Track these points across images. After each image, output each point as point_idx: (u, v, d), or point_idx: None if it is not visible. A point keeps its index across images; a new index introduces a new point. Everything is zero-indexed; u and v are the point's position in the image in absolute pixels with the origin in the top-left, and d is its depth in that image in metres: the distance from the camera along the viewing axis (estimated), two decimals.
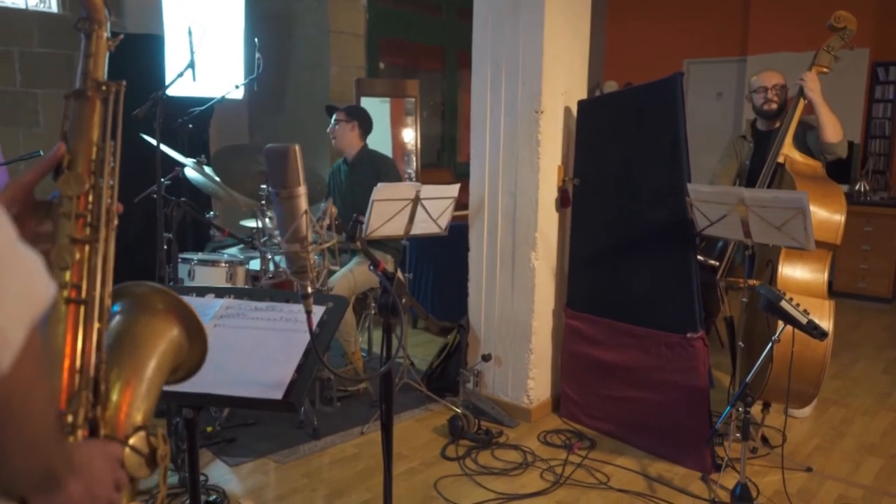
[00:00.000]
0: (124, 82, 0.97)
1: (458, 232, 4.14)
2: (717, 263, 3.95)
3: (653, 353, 3.46)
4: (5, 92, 4.84)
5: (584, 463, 3.37)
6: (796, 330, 2.82)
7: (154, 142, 3.21)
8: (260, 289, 3.58)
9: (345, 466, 3.33)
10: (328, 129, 4.36)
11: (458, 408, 3.74)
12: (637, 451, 3.51)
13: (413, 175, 6.24)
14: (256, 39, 4.08)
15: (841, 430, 3.82)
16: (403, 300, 1.78)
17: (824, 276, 3.50)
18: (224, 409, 3.66)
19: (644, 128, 3.58)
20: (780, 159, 3.66)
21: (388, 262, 4.22)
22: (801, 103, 3.70)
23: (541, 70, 3.62)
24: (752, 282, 3.31)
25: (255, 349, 1.78)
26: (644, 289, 3.54)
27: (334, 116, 4.33)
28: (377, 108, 5.79)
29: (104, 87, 0.95)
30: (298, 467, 3.31)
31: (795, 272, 3.50)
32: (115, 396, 0.93)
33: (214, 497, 2.98)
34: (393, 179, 4.13)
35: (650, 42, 8.12)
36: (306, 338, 1.72)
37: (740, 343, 3.33)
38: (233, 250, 4.07)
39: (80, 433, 0.86)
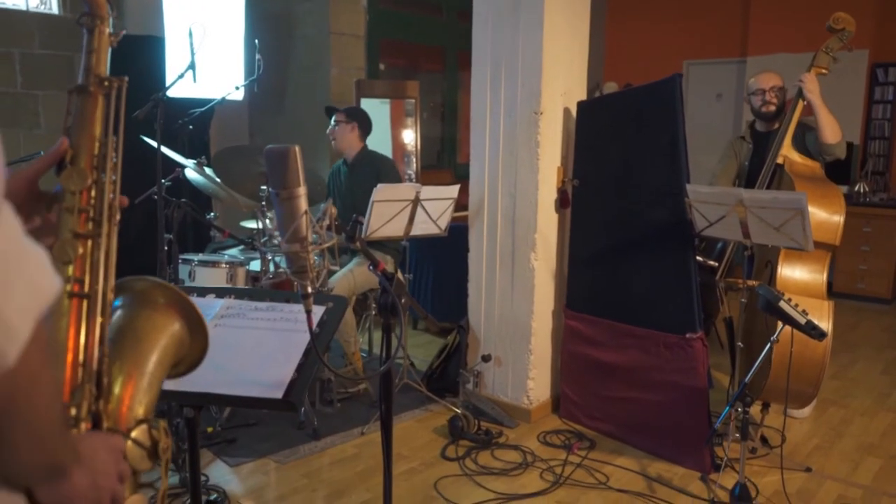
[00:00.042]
0: (126, 78, 0.98)
1: (457, 233, 4.15)
2: (717, 264, 3.95)
3: (652, 354, 3.46)
4: (6, 93, 4.85)
5: (584, 463, 3.38)
6: (795, 330, 2.83)
7: (155, 143, 3.22)
8: (260, 289, 3.58)
9: (345, 467, 3.34)
10: (328, 131, 4.37)
11: (457, 408, 3.75)
12: (636, 451, 3.51)
13: (413, 176, 6.25)
14: (257, 41, 4.09)
15: (840, 430, 3.83)
16: (403, 300, 1.79)
17: (823, 277, 3.51)
18: (225, 410, 3.67)
19: (643, 129, 3.59)
20: (780, 160, 3.67)
21: (388, 263, 4.22)
22: (800, 104, 3.71)
23: (540, 71, 3.63)
24: (751, 282, 3.32)
25: (255, 349, 1.79)
26: (643, 289, 3.55)
27: (334, 118, 4.34)
28: (377, 109, 5.80)
29: (106, 83, 0.96)
30: (299, 467, 3.31)
31: (794, 273, 3.51)
32: (117, 390, 0.94)
33: (215, 497, 2.98)
34: (393, 180, 4.14)
35: (650, 43, 8.14)
36: (306, 337, 1.73)
37: (739, 343, 3.34)
38: (233, 251, 4.08)
39: (83, 426, 0.87)
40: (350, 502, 3.04)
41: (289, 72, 6.16)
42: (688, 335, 3.33)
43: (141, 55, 4.78)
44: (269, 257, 3.71)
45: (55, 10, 5.09)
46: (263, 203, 3.76)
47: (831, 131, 3.63)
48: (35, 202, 0.95)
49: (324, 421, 3.71)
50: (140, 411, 0.96)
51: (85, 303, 0.89)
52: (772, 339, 2.95)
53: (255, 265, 3.79)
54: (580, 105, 3.84)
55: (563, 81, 3.78)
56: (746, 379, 2.94)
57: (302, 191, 1.48)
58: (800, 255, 3.42)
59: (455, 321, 4.28)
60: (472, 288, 4.09)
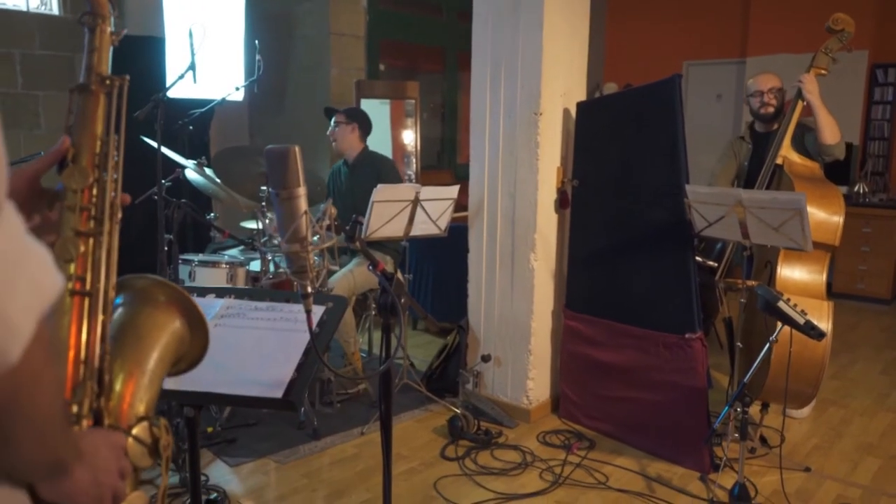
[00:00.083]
0: (128, 77, 0.98)
1: (457, 233, 4.16)
2: (716, 264, 3.96)
3: (651, 354, 3.47)
4: (6, 94, 4.86)
5: (583, 463, 3.38)
6: (794, 331, 2.84)
7: (155, 144, 3.23)
8: (260, 289, 3.59)
9: (345, 467, 3.34)
10: (328, 132, 4.38)
11: (457, 408, 3.75)
12: (636, 451, 3.52)
13: (413, 177, 6.25)
14: (257, 41, 4.10)
15: (839, 430, 3.83)
16: (402, 300, 1.79)
17: (823, 277, 3.51)
18: (224, 410, 3.67)
19: (642, 129, 3.59)
20: (779, 161, 3.68)
21: (388, 264, 4.23)
22: (800, 105, 3.72)
23: (540, 71, 3.63)
24: (750, 283, 3.33)
25: (255, 349, 1.80)
26: (643, 289, 3.56)
27: (333, 119, 4.34)
28: (377, 109, 5.81)
29: (108, 82, 0.96)
30: (298, 467, 3.32)
31: (794, 273, 3.51)
32: (118, 387, 0.95)
33: (215, 496, 2.99)
34: (393, 181, 4.14)
35: (650, 43, 8.15)
36: (306, 337, 1.73)
37: (739, 344, 3.34)
38: (233, 251, 4.08)
39: (84, 423, 0.88)
40: (350, 502, 3.04)
41: (289, 72, 6.17)
42: (687, 335, 3.33)
43: (141, 56, 4.78)
44: (269, 257, 3.72)
45: (55, 10, 5.10)
46: (263, 203, 3.76)
47: (830, 132, 3.64)
48: (36, 200, 0.96)
49: (324, 421, 3.72)
50: (141, 409, 0.96)
51: (87, 300, 0.90)
52: (771, 339, 2.95)
53: (255, 265, 3.80)
54: (580, 105, 3.85)
55: (563, 82, 3.78)
56: (745, 379, 2.95)
57: (302, 191, 1.49)
58: (799, 255, 3.43)
59: (455, 321, 4.29)
60: (471, 288, 4.10)
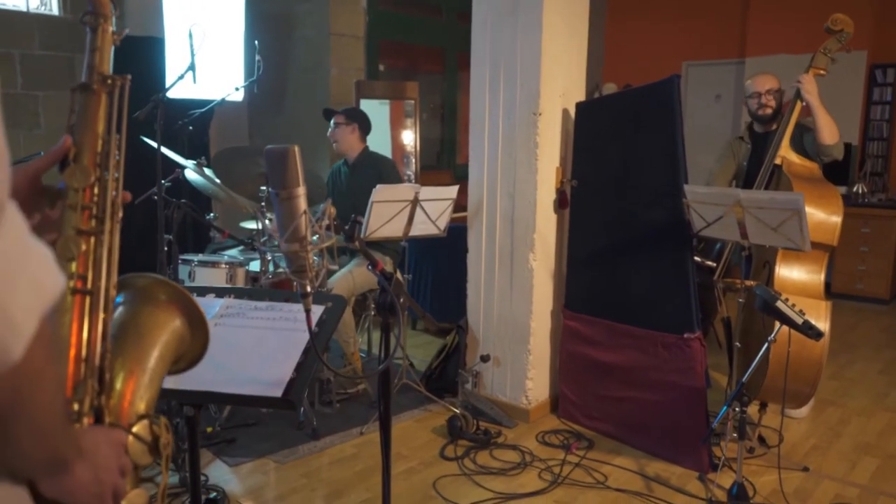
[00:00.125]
0: (129, 76, 0.99)
1: (456, 233, 4.16)
2: (715, 264, 3.96)
3: (650, 354, 3.48)
4: (6, 94, 4.86)
5: (582, 463, 3.39)
6: (793, 330, 2.84)
7: (155, 144, 3.23)
8: (259, 289, 3.59)
9: (344, 466, 3.35)
10: (329, 133, 4.38)
11: (456, 408, 3.76)
12: (635, 450, 3.52)
13: (412, 177, 6.26)
14: (256, 42, 4.11)
15: (838, 430, 3.84)
16: (401, 300, 1.80)
17: (821, 277, 3.52)
18: (224, 410, 3.68)
19: (641, 130, 3.60)
20: (778, 161, 3.68)
21: (387, 264, 4.23)
22: (798, 105, 3.72)
23: (539, 72, 3.64)
24: (749, 283, 3.34)
25: (255, 348, 1.80)
26: (642, 290, 3.56)
27: (333, 120, 4.34)
28: (377, 110, 5.82)
29: (110, 81, 0.97)
30: (298, 467, 3.32)
31: (792, 273, 3.52)
32: (118, 385, 0.95)
33: (214, 495, 2.99)
34: (394, 181, 4.15)
35: (649, 44, 8.16)
36: (305, 337, 1.74)
37: (737, 343, 3.35)
38: (233, 252, 4.09)
39: (85, 420, 0.89)
40: (349, 502, 3.05)
41: (288, 73, 6.17)
42: (686, 335, 3.34)
43: (141, 56, 4.78)
44: (269, 257, 3.72)
45: (55, 11, 5.10)
46: (263, 204, 3.77)
47: (829, 132, 3.64)
48: (38, 198, 0.97)
49: (323, 421, 3.72)
50: (141, 407, 0.97)
51: (88, 299, 0.90)
52: (769, 338, 2.96)
53: (255, 265, 3.80)
54: (578, 106, 3.85)
55: (562, 82, 3.79)
56: (744, 379, 2.95)
57: (301, 191, 1.49)
58: (797, 255, 3.43)
59: (454, 321, 4.29)
60: (470, 288, 4.10)
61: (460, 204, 4.02)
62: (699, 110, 7.87)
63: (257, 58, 3.84)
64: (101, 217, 0.93)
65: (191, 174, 3.81)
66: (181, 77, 3.36)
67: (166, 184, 3.35)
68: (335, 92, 5.88)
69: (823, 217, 3.45)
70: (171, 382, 1.15)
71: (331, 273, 4.03)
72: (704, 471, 3.27)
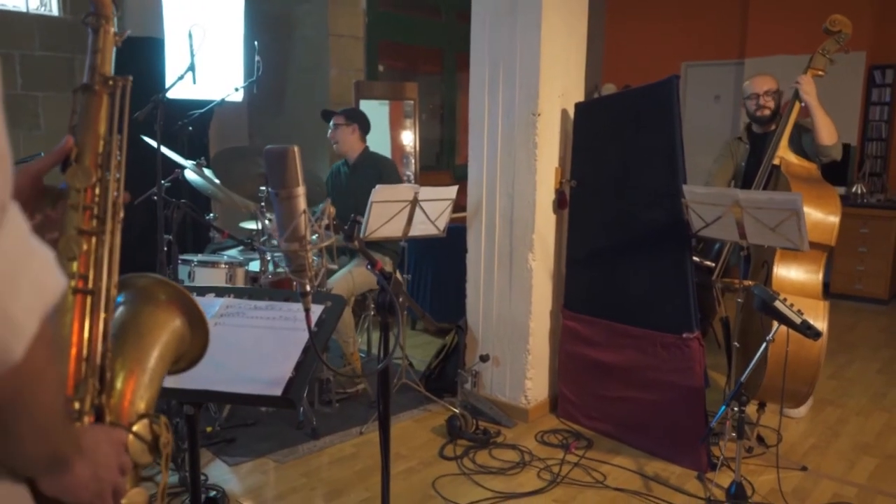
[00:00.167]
0: (131, 77, 0.99)
1: (456, 233, 4.17)
2: (714, 264, 3.97)
3: (649, 354, 3.48)
4: (6, 95, 4.81)
5: (581, 462, 3.40)
6: (791, 330, 2.85)
7: (154, 144, 3.24)
8: (259, 288, 3.60)
9: (343, 466, 3.35)
10: (329, 134, 4.38)
11: (456, 408, 3.76)
12: (633, 450, 3.53)
13: (412, 177, 6.26)
14: (256, 42, 4.11)
15: (836, 429, 3.84)
16: (401, 300, 1.81)
17: (819, 277, 3.53)
18: (224, 410, 3.68)
19: (640, 130, 3.60)
20: (776, 161, 3.69)
21: (387, 264, 4.24)
22: (797, 106, 3.73)
23: (538, 72, 3.65)
24: (747, 283, 3.34)
25: (254, 347, 1.81)
26: (641, 290, 3.57)
27: (332, 121, 4.35)
28: (376, 110, 5.82)
29: (111, 82, 0.97)
30: (297, 467, 3.33)
31: (790, 273, 3.53)
32: (119, 384, 0.96)
33: (214, 494, 3.00)
34: (394, 181, 4.16)
35: (649, 44, 8.16)
36: (305, 336, 1.74)
37: (736, 343, 3.35)
38: (232, 252, 4.09)
39: (86, 419, 0.89)
40: (348, 501, 3.05)
41: (288, 73, 6.18)
42: (685, 335, 3.34)
43: (141, 57, 4.79)
44: (269, 257, 3.73)
45: (55, 11, 5.11)
46: (262, 204, 3.77)
47: (827, 133, 3.65)
48: (39, 198, 0.97)
49: (322, 421, 3.73)
50: (141, 406, 0.97)
51: (89, 299, 0.91)
52: (767, 338, 2.97)
53: (255, 266, 3.81)
54: (577, 106, 3.86)
55: (561, 83, 3.80)
56: (742, 378, 2.96)
57: (301, 191, 1.50)
58: (796, 255, 3.44)
59: (453, 321, 4.30)
60: (470, 288, 4.11)
61: (460, 204, 4.03)
62: (698, 111, 7.88)
63: (257, 58, 3.85)
64: (102, 217, 0.93)
65: (190, 174, 3.81)
66: (181, 77, 3.36)
67: (166, 184, 3.35)
68: (335, 92, 5.88)
69: (821, 217, 3.46)
70: (172, 381, 1.16)
71: (330, 273, 4.04)
72: (703, 470, 3.28)
